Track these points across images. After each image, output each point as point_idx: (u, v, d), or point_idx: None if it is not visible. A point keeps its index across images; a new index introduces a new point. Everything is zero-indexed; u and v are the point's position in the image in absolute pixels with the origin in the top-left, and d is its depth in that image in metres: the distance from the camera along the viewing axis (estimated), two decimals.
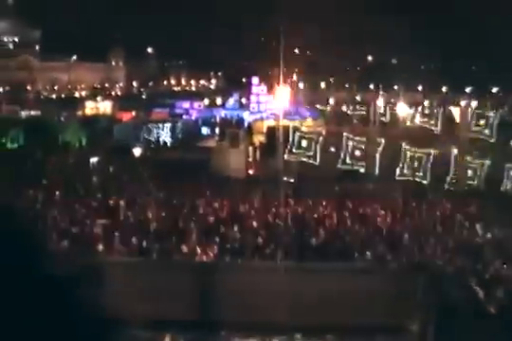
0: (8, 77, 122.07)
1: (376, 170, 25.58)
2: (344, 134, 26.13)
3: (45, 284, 1.96)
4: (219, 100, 66.96)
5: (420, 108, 31.01)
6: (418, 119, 29.42)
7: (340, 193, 25.23)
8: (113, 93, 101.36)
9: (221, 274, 12.32)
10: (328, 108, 35.40)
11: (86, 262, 14.90)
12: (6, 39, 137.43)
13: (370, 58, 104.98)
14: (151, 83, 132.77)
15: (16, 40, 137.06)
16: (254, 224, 20.57)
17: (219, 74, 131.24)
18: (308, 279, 12.20)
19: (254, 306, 11.30)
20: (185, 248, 17.98)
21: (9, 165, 30.44)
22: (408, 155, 25.14)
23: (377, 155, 25.46)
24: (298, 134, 25.24)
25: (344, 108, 32.94)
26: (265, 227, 20.28)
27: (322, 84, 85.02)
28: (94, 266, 12.72)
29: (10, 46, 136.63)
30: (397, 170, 25.03)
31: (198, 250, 17.54)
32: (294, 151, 25.14)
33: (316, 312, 12.59)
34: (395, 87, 69.04)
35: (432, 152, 25.50)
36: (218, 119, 50.85)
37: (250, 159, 32.44)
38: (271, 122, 37.71)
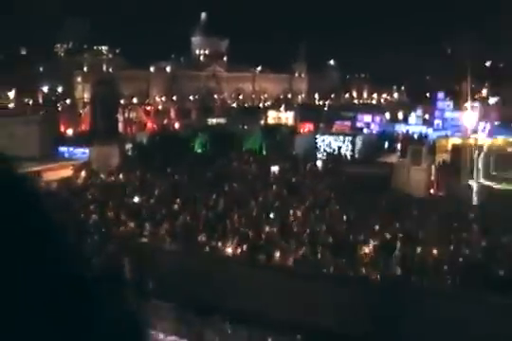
0: (198, 86, 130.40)
1: None
2: None
3: None
4: (401, 115, 65.28)
5: None
6: None
7: None
8: (295, 104, 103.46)
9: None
10: None
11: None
12: (198, 52, 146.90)
13: None
14: (332, 95, 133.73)
15: (207, 52, 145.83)
16: (432, 248, 19.40)
17: (402, 88, 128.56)
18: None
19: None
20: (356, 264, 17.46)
21: (196, 168, 32.24)
22: None
23: None
24: (494, 154, 23.31)
25: None
26: (443, 252, 19.04)
27: None
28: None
29: (201, 58, 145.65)
30: None
31: (364, 269, 16.91)
32: (492, 173, 23.21)
33: None
34: None
35: None
36: (400, 135, 49.50)
37: (432, 178, 31.01)
38: (457, 140, 35.82)
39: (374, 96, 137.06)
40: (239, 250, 18.18)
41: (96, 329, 0.91)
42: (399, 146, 36.91)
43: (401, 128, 55.18)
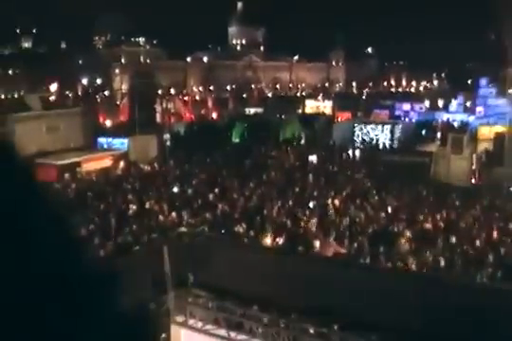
0: (235, 76, 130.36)
1: None
2: None
3: None
4: (441, 103, 64.01)
5: None
6: None
7: None
8: (332, 93, 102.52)
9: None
10: None
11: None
12: (234, 41, 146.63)
13: None
14: (370, 84, 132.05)
15: (243, 42, 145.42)
16: (475, 238, 18.99)
17: (442, 75, 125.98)
18: None
19: None
20: (396, 255, 17.19)
21: (234, 157, 32.28)
22: None
23: None
24: None
25: None
26: (486, 243, 18.61)
27: None
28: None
29: (238, 48, 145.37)
30: None
31: (410, 259, 16.63)
32: None
33: None
34: None
35: None
36: (440, 123, 48.54)
37: (474, 167, 30.35)
38: (500, 128, 34.89)
39: (413, 84, 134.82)
40: (278, 240, 18.10)
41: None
42: (439, 134, 36.21)
43: (441, 116, 54.10)
